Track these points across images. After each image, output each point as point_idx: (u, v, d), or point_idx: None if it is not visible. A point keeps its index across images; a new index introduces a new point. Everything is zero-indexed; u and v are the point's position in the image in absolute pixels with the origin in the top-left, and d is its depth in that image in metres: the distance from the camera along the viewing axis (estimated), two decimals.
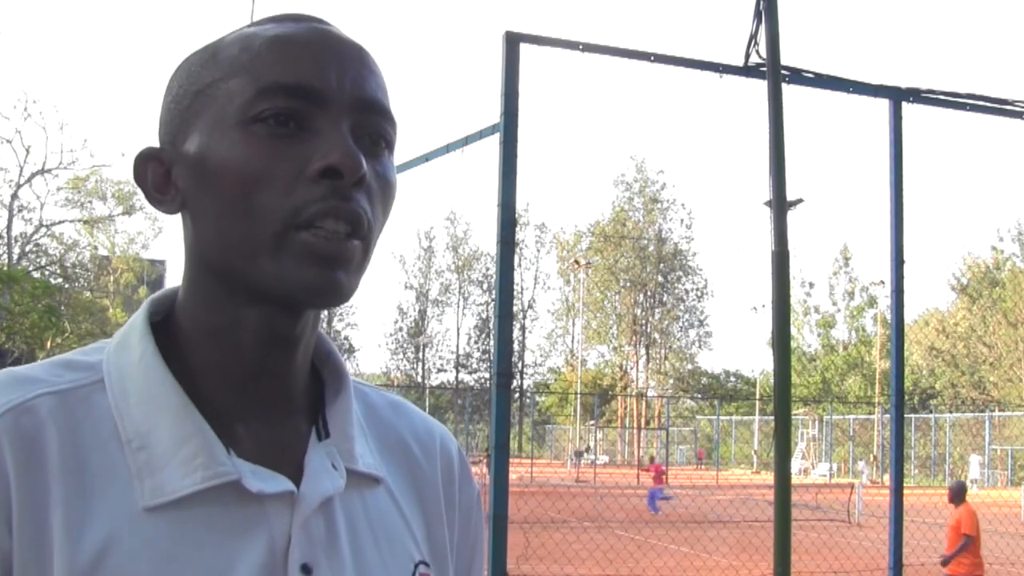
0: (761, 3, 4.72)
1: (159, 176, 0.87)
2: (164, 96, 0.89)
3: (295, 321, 0.86)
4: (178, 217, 0.89)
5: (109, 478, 0.79)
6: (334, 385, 0.93)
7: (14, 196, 46.93)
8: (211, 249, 0.84)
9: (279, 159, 0.80)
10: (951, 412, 50.14)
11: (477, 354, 71.91)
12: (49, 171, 47.35)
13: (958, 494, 9.22)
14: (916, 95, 5.47)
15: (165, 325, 0.88)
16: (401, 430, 0.98)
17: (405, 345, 71.98)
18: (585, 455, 46.88)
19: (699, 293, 70.28)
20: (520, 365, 69.92)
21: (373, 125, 0.84)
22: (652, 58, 4.98)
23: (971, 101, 5.65)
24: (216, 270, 0.84)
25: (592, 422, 56.62)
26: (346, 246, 0.81)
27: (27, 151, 48.76)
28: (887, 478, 14.35)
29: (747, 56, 4.97)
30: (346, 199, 0.80)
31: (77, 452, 0.79)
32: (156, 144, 0.89)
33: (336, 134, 0.80)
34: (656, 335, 68.97)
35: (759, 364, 67.86)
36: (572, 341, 72.26)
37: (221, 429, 0.83)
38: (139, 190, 0.90)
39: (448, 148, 5.16)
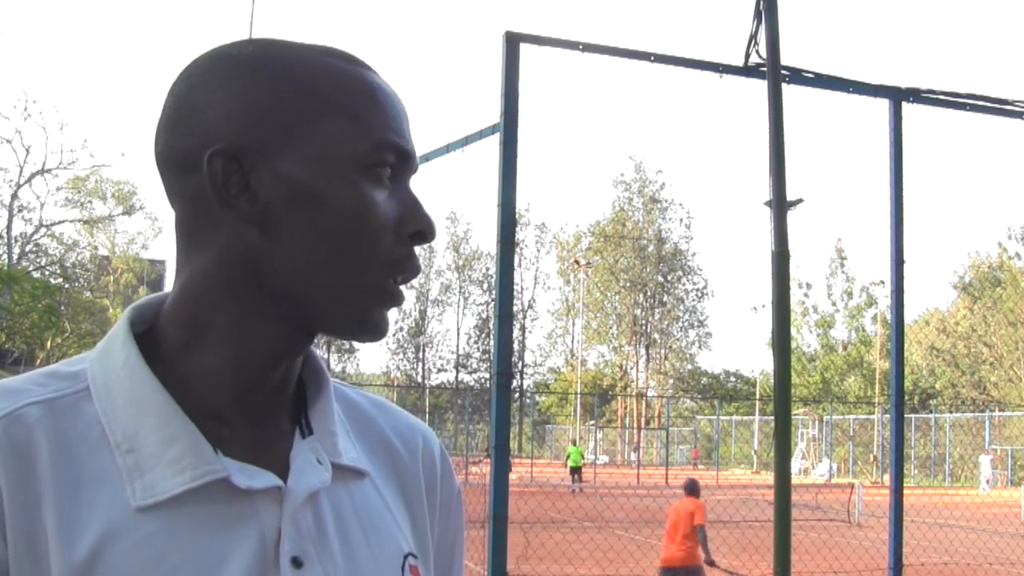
0: (761, 3, 4.71)
1: (231, 175, 0.84)
2: (237, 93, 0.85)
3: (309, 342, 0.91)
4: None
5: (100, 480, 0.80)
6: (314, 384, 0.95)
7: (14, 196, 47.01)
8: (281, 269, 0.85)
9: (385, 212, 0.87)
10: (951, 412, 50.10)
11: (477, 354, 71.95)
12: (49, 171, 47.43)
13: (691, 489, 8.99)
14: (916, 95, 5.46)
15: (149, 333, 0.89)
16: (383, 427, 1.00)
17: (405, 345, 72.04)
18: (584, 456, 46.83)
19: (699, 293, 70.39)
20: (520, 365, 69.98)
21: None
22: (652, 58, 4.98)
23: (971, 101, 5.63)
24: (269, 287, 0.85)
25: (592, 422, 56.60)
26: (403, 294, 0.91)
27: (27, 151, 48.87)
28: (887, 478, 14.34)
29: (747, 56, 4.96)
30: (417, 259, 0.90)
31: (67, 457, 0.80)
32: (215, 138, 0.84)
33: (413, 197, 0.89)
34: (656, 335, 69.02)
35: (759, 364, 67.92)
36: (572, 341, 72.33)
37: (207, 430, 0.85)
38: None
39: (448, 148, 5.15)
